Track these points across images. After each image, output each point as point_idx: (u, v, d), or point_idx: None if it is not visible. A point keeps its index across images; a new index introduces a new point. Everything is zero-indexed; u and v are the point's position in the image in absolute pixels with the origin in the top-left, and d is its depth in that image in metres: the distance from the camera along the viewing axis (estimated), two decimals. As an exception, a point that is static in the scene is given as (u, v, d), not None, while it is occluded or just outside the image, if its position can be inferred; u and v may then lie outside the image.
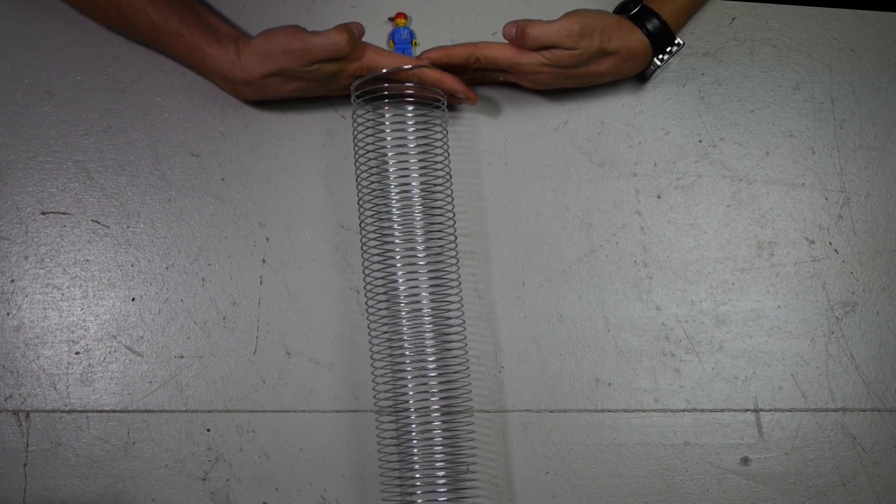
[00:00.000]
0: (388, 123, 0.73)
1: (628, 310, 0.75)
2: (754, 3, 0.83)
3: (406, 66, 0.69)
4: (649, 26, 0.72)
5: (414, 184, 0.71)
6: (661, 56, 0.74)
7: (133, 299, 0.71)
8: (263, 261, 0.72)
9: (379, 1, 0.78)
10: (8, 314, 0.70)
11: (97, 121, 0.73)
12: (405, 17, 0.78)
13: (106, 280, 0.71)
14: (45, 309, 0.70)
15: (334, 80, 0.70)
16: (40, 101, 0.73)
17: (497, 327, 0.73)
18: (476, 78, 0.75)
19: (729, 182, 0.79)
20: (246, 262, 0.72)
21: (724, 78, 0.81)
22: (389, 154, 0.73)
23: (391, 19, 0.78)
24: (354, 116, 0.71)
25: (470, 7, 0.79)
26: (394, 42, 0.77)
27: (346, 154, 0.75)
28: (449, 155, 0.72)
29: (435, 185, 0.72)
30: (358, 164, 0.71)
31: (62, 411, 0.68)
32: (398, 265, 0.70)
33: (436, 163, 0.72)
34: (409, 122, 0.73)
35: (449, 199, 0.71)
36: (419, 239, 0.70)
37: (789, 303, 0.77)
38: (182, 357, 0.70)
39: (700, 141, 0.79)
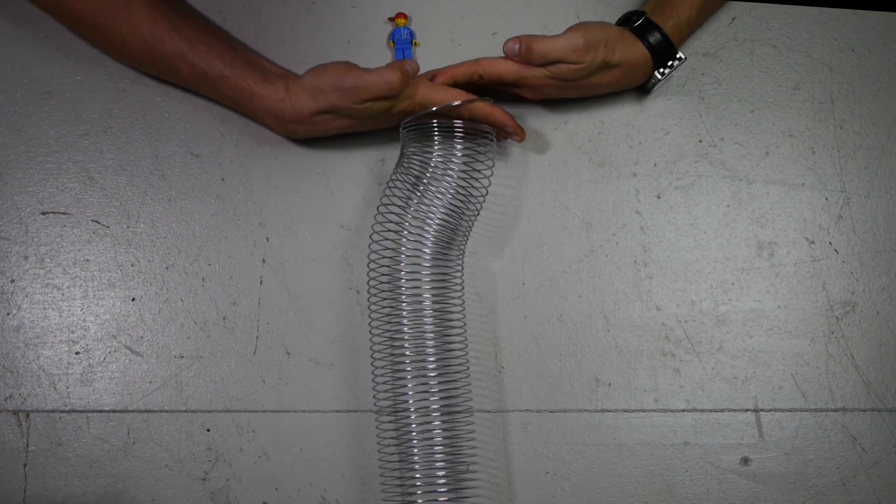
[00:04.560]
0: (435, 155, 0.71)
1: (628, 310, 0.75)
2: (754, 3, 0.83)
3: (456, 103, 0.68)
4: (651, 39, 0.72)
5: (445, 210, 0.70)
6: (661, 70, 0.74)
7: (133, 299, 0.71)
8: (263, 261, 0.72)
9: (379, 1, 0.78)
10: (8, 314, 0.70)
11: (97, 121, 0.73)
12: (405, 17, 0.78)
13: (106, 280, 0.71)
14: (45, 309, 0.70)
15: (385, 116, 0.69)
16: (40, 101, 0.73)
17: (497, 327, 0.73)
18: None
19: (729, 182, 0.79)
20: (246, 262, 0.72)
21: (724, 78, 0.81)
22: (431, 186, 0.71)
23: (391, 19, 0.78)
24: (403, 150, 0.70)
25: (470, 7, 0.79)
26: (394, 42, 0.77)
27: (347, 154, 0.75)
28: (489, 189, 0.72)
29: (466, 215, 0.71)
30: (392, 184, 0.70)
31: (62, 411, 0.68)
32: (403, 263, 0.69)
33: (478, 196, 0.71)
34: (456, 155, 0.71)
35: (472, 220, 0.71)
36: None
37: (789, 303, 0.77)
38: (182, 357, 0.70)
39: (700, 141, 0.79)
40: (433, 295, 0.69)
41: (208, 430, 0.69)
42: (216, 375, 0.70)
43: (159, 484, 0.68)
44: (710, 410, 0.74)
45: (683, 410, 0.74)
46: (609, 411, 0.73)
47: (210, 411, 0.70)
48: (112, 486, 0.68)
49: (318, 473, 0.70)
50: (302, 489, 0.69)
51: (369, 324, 0.69)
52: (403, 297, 0.68)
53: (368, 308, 0.70)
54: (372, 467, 0.70)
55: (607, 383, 0.74)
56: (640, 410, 0.73)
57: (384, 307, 0.69)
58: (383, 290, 0.70)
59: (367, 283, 0.70)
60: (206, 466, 0.69)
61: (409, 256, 0.69)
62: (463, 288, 0.72)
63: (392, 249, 0.70)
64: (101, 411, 0.69)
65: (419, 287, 0.69)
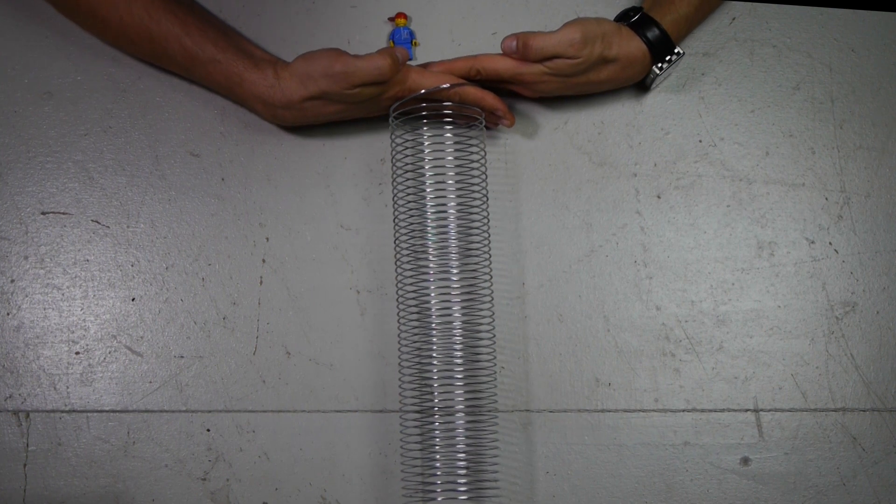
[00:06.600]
0: (426, 143, 0.73)
1: (628, 310, 0.75)
2: (754, 3, 0.83)
3: (445, 86, 0.69)
4: (649, 34, 0.72)
5: (451, 204, 0.71)
6: (660, 65, 0.74)
7: (133, 299, 0.71)
8: (263, 261, 0.72)
9: (379, 1, 0.78)
10: (8, 314, 0.70)
11: (97, 121, 0.73)
12: (405, 17, 0.78)
13: (106, 280, 0.71)
14: (45, 309, 0.70)
15: (375, 103, 0.69)
16: (40, 101, 0.73)
17: (497, 327, 0.73)
18: None
19: (729, 182, 0.79)
20: (246, 262, 0.72)
21: (724, 78, 0.81)
22: (427, 174, 0.72)
23: (391, 19, 0.78)
24: (393, 137, 0.71)
25: (470, 7, 0.79)
26: (394, 42, 0.77)
27: (347, 154, 0.75)
28: (486, 173, 0.72)
29: (472, 205, 0.72)
30: (395, 182, 0.71)
31: (62, 411, 0.68)
32: (430, 271, 0.70)
33: (472, 183, 0.72)
34: (448, 141, 0.72)
35: (485, 219, 0.71)
36: (453, 255, 0.70)
37: (789, 303, 0.77)
38: (182, 357, 0.70)
39: (700, 141, 0.79)
40: (461, 300, 0.70)
41: (208, 430, 0.69)
42: (216, 375, 0.70)
43: (159, 484, 0.68)
44: (710, 410, 0.74)
45: (683, 410, 0.74)
46: (609, 411, 0.73)
47: (210, 411, 0.70)
48: (112, 486, 0.68)
49: (318, 473, 0.70)
50: (302, 489, 0.69)
51: (398, 325, 0.69)
52: (431, 300, 0.69)
53: (397, 308, 0.70)
54: (372, 467, 0.70)
55: (607, 383, 0.74)
56: (640, 410, 0.73)
57: (411, 308, 0.70)
58: (410, 290, 0.70)
59: (396, 281, 0.70)
60: (206, 466, 0.69)
61: (434, 261, 0.70)
62: (492, 297, 0.72)
63: (414, 250, 0.70)
64: (101, 411, 0.69)
65: (447, 290, 0.70)
